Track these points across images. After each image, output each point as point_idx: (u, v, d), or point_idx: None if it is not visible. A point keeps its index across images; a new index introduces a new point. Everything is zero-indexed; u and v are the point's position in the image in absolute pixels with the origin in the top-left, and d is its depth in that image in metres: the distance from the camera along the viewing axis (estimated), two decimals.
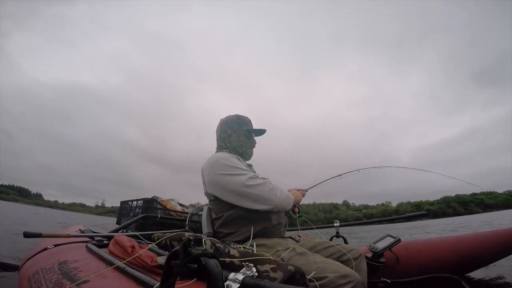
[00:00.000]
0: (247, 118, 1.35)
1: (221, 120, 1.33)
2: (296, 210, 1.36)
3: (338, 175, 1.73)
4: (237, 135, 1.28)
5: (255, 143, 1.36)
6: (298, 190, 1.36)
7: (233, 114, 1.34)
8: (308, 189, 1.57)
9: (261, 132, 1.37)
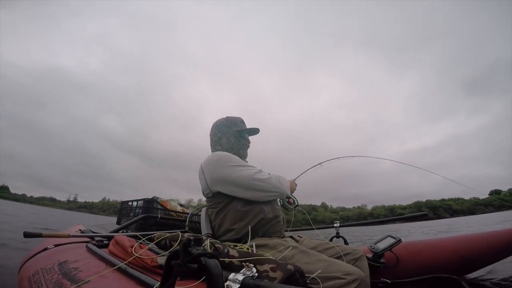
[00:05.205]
0: (238, 118, 1.33)
1: (213, 124, 1.33)
2: (291, 200, 1.34)
3: (319, 163, 1.77)
4: (227, 138, 1.26)
5: (249, 142, 1.34)
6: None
7: (224, 116, 1.32)
8: (296, 178, 1.54)
9: (253, 131, 1.34)
